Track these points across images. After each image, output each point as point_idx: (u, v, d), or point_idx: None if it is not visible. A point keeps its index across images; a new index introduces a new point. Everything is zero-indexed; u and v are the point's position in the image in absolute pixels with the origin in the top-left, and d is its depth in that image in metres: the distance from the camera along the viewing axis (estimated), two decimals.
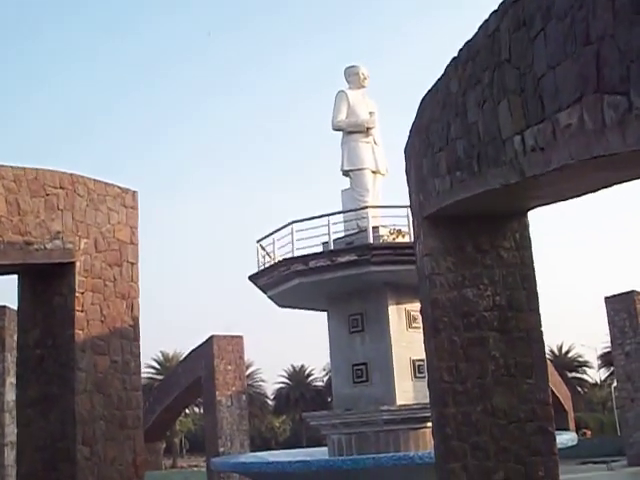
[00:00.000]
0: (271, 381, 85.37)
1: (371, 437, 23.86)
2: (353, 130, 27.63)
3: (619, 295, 34.95)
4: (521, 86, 6.70)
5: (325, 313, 26.76)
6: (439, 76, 10.27)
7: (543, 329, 11.81)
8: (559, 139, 5.85)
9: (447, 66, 9.83)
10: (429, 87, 10.88)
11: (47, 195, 13.81)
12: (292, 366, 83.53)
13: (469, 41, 8.79)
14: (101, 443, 14.34)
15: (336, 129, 27.98)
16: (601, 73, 5.14)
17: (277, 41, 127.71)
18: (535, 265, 11.85)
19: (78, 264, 14.36)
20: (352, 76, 28.71)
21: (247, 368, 74.39)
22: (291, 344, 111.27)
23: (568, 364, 75.41)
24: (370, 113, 27.81)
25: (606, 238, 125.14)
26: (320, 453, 26.42)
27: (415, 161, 12.15)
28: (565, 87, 5.69)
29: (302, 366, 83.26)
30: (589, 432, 55.24)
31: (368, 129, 27.50)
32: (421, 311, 12.61)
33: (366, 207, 24.82)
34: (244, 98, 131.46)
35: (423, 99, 11.37)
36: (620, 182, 7.54)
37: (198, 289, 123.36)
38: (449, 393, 11.50)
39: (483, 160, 8.17)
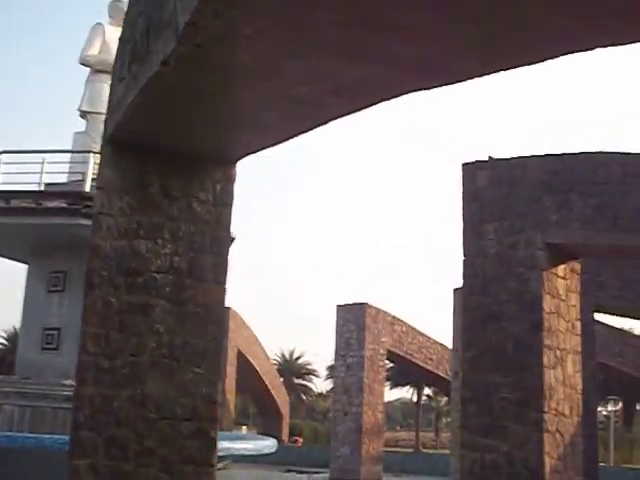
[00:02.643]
0: None
1: (49, 413, 20.75)
2: (102, 69, 24.46)
3: (351, 305, 33.79)
4: None
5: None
6: None
7: (227, 307, 9.49)
8: None
9: None
10: None
11: None
12: (14, 327, 77.58)
13: None
14: None
15: (83, 63, 24.76)
16: None
17: None
18: (231, 228, 9.50)
19: None
20: (115, 11, 25.47)
21: None
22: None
23: (296, 370, 75.06)
24: None
25: (348, 244, 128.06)
26: None
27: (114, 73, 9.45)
28: None
29: None
30: (300, 440, 54.48)
31: None
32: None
33: (89, 152, 21.73)
34: None
35: None
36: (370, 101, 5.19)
37: None
38: (91, 369, 8.88)
39: (152, 32, 5.63)
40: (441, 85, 4.94)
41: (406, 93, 5.21)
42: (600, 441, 46.52)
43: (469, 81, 4.77)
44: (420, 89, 5.10)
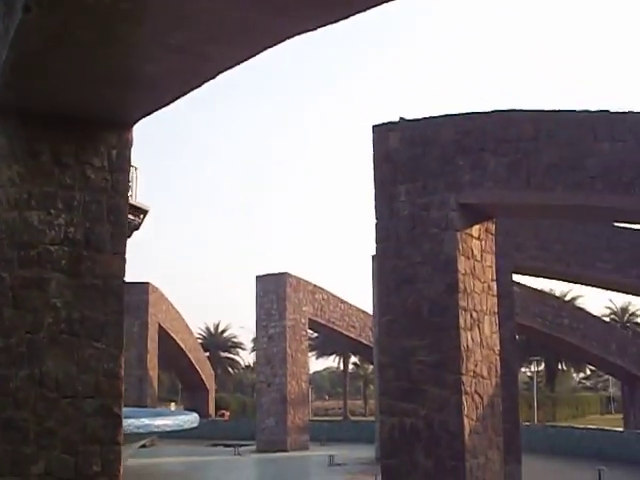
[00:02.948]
0: None
1: None
2: None
3: (270, 275, 33.39)
4: None
5: None
6: None
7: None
8: None
9: None
10: None
11: None
12: None
13: None
14: None
15: None
16: None
17: None
18: (129, 195, 9.06)
19: None
20: None
21: None
22: None
23: (222, 344, 74.57)
24: None
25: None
26: None
27: None
28: None
29: None
30: (227, 413, 54.09)
31: None
32: None
33: None
34: None
35: None
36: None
37: None
38: None
39: None
40: (324, 25, 4.62)
41: (289, 37, 4.85)
42: (524, 401, 47.39)
43: (353, 16, 4.45)
44: (303, 31, 4.76)
